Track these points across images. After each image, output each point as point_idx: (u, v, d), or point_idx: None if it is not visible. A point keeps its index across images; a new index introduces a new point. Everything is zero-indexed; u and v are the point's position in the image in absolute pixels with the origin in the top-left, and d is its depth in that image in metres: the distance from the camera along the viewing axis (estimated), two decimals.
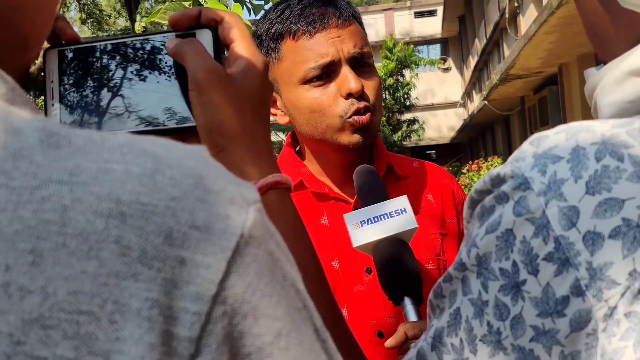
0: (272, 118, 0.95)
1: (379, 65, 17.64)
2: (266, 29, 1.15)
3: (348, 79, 1.08)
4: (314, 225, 1.13)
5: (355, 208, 1.11)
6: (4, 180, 0.30)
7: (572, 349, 0.43)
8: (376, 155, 1.21)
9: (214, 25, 0.58)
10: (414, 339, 0.87)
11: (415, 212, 0.92)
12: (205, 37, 0.57)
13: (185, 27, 0.58)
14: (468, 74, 21.84)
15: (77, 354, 0.29)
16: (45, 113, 0.58)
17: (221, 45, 0.58)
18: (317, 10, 1.11)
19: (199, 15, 0.58)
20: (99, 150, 0.32)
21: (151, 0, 20.20)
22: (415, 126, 19.50)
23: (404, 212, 0.91)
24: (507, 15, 12.94)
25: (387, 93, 18.41)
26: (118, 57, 0.59)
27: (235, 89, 0.55)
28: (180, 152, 0.34)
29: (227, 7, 2.20)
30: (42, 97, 0.60)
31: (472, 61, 20.56)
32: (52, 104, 0.58)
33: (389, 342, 0.90)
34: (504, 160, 12.70)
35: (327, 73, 1.10)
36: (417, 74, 18.88)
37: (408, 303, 0.87)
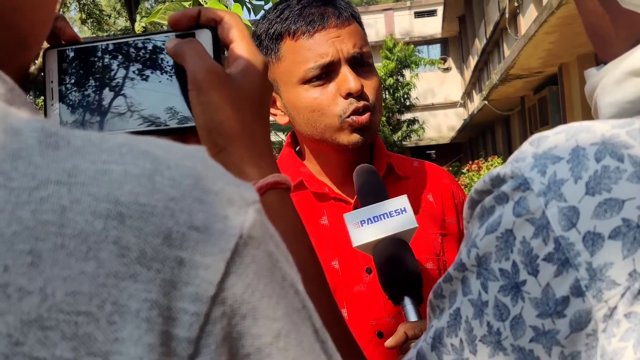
0: (271, 118, 0.95)
1: (379, 65, 17.64)
2: (266, 29, 1.15)
3: (347, 78, 1.08)
4: (314, 225, 1.13)
5: (355, 208, 1.11)
6: (2, 181, 0.30)
7: (572, 350, 0.43)
8: (376, 155, 1.21)
9: (214, 25, 0.58)
10: (414, 338, 0.87)
11: (415, 212, 0.92)
12: (204, 37, 0.57)
13: (185, 27, 0.58)
14: (468, 74, 21.84)
15: (76, 355, 0.29)
16: (45, 113, 0.58)
17: (221, 45, 0.58)
18: (316, 10, 1.11)
19: (198, 15, 0.58)
20: (97, 151, 0.32)
21: (151, 0, 20.20)
22: (415, 126, 19.50)
23: (404, 212, 0.91)
24: (507, 15, 12.94)
25: (387, 93, 18.41)
26: (118, 57, 0.59)
27: (234, 89, 0.55)
28: (179, 152, 0.34)
29: (226, 7, 2.20)
30: (42, 97, 0.60)
31: (472, 61, 20.56)
32: (52, 104, 0.58)
33: (389, 342, 0.90)
34: (504, 160, 12.70)
35: (326, 73, 1.10)
36: (417, 74, 18.88)
37: (408, 303, 0.87)
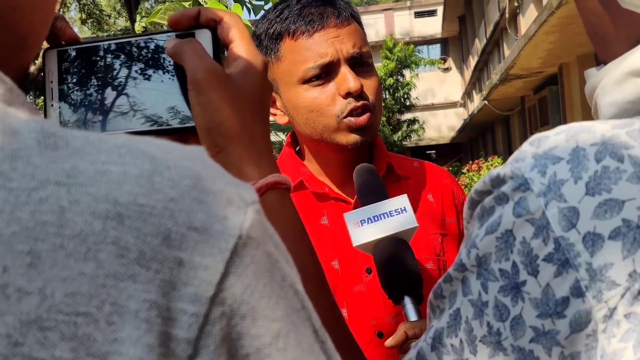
0: (271, 118, 0.95)
1: (379, 65, 17.64)
2: (265, 29, 1.15)
3: (347, 78, 1.08)
4: (314, 225, 1.13)
5: (355, 208, 1.11)
6: (1, 182, 0.30)
7: (572, 350, 0.43)
8: (376, 155, 1.21)
9: (213, 25, 0.58)
10: (414, 338, 0.87)
11: (415, 212, 0.92)
12: (204, 37, 0.57)
13: (185, 27, 0.58)
14: (468, 74, 21.85)
15: (75, 356, 0.29)
16: (45, 113, 0.58)
17: (220, 45, 0.58)
18: (315, 10, 1.11)
19: (198, 15, 0.58)
20: (96, 152, 0.32)
21: (151, 0, 20.21)
22: (416, 126, 19.50)
23: (404, 211, 0.91)
24: (507, 15, 12.94)
25: (387, 93, 18.42)
26: (118, 57, 0.59)
27: (234, 89, 0.55)
28: (178, 153, 0.34)
29: (226, 7, 2.20)
30: (42, 97, 0.60)
31: (472, 61, 20.56)
32: (52, 104, 0.58)
33: (389, 342, 0.90)
34: (504, 160, 12.70)
35: (326, 73, 1.10)
36: (417, 74, 18.88)
37: (408, 302, 0.87)
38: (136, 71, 0.58)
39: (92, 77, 0.58)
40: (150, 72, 0.58)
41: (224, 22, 0.58)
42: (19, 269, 0.29)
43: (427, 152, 24.52)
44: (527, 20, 11.13)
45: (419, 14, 25.09)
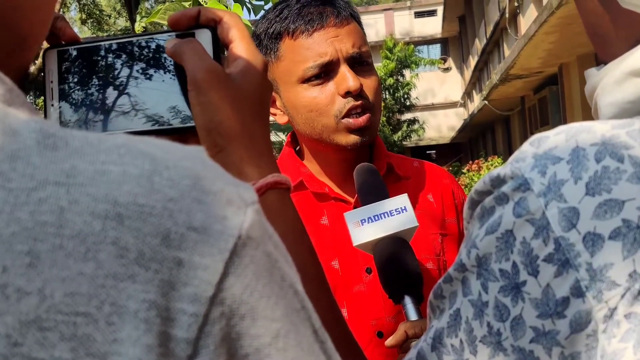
0: (271, 118, 0.95)
1: (379, 65, 17.65)
2: (265, 28, 1.15)
3: (346, 77, 1.08)
4: (314, 225, 1.13)
5: (355, 208, 1.11)
6: (1, 182, 0.30)
7: (572, 350, 0.43)
8: (376, 155, 1.21)
9: (213, 25, 0.58)
10: (414, 337, 0.87)
11: (415, 212, 0.92)
12: (204, 37, 0.57)
13: (185, 27, 0.58)
14: (468, 74, 21.85)
15: (75, 356, 0.29)
16: (45, 113, 0.58)
17: (220, 45, 0.58)
18: (315, 9, 1.11)
19: (198, 15, 0.58)
20: (95, 152, 0.32)
21: (151, 0, 20.21)
22: (416, 126, 19.50)
23: (404, 211, 0.91)
24: (507, 15, 12.94)
25: (387, 93, 18.42)
26: (118, 57, 0.59)
27: (234, 89, 0.55)
28: (177, 153, 0.34)
29: (226, 7, 2.20)
30: (42, 97, 0.60)
31: (472, 61, 20.56)
32: (52, 104, 0.58)
33: (389, 341, 0.89)
34: (504, 160, 12.70)
35: (325, 72, 1.10)
36: (417, 74, 18.88)
37: (408, 302, 0.87)
38: (136, 71, 0.58)
39: (92, 77, 0.58)
40: (150, 72, 0.58)
41: (224, 22, 0.58)
42: (19, 269, 0.29)
43: (427, 152, 24.51)
44: (527, 20, 11.13)
45: (419, 14, 25.09)
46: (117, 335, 0.29)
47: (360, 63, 1.12)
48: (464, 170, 14.80)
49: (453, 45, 24.98)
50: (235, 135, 0.55)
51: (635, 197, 0.42)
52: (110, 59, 0.58)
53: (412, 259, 0.89)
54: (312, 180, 1.18)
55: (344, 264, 1.12)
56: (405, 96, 18.89)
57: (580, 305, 0.43)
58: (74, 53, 0.59)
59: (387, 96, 18.46)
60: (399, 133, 19.01)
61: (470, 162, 15.45)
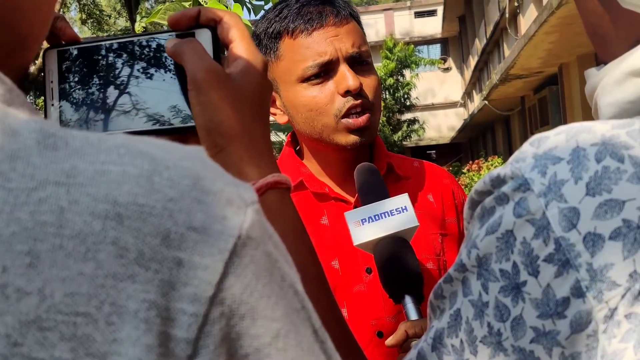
0: (271, 118, 0.95)
1: (379, 65, 17.65)
2: (265, 28, 1.15)
3: (346, 76, 1.08)
4: (314, 225, 1.13)
5: (355, 208, 1.11)
6: (0, 182, 0.30)
7: (573, 351, 0.43)
8: (376, 155, 1.21)
9: (213, 25, 0.58)
10: (414, 337, 0.87)
11: (416, 212, 0.92)
12: (204, 37, 0.57)
13: (185, 27, 0.58)
14: (468, 74, 21.85)
15: (75, 356, 0.29)
16: (45, 113, 0.58)
17: (220, 45, 0.58)
18: (314, 8, 1.11)
19: (198, 15, 0.58)
20: (95, 152, 0.32)
21: (151, 0, 20.21)
22: (416, 126, 19.51)
23: (404, 210, 0.91)
24: (507, 15, 12.94)
25: (387, 93, 18.42)
26: (118, 57, 0.59)
27: (234, 89, 0.55)
28: (177, 153, 0.34)
29: (227, 7, 2.20)
30: (42, 97, 0.60)
31: (472, 61, 20.56)
32: (52, 104, 0.58)
33: (390, 341, 0.89)
34: (505, 160, 12.70)
35: (325, 71, 1.10)
36: (417, 74, 18.89)
37: (409, 301, 0.87)
38: (137, 70, 0.58)
39: (93, 76, 0.58)
40: (150, 71, 0.58)
41: (224, 22, 0.58)
42: (19, 269, 0.29)
43: (427, 152, 24.51)
44: (527, 20, 11.13)
45: (419, 14, 25.09)
46: (117, 335, 0.29)
47: (359, 62, 1.12)
48: (464, 170, 14.80)
49: (453, 45, 24.98)
50: (235, 135, 0.55)
51: (636, 197, 0.42)
52: (110, 59, 0.59)
53: (413, 259, 0.89)
54: (312, 180, 1.18)
55: (344, 264, 1.12)
56: (405, 96, 18.89)
57: (580, 306, 0.43)
58: (74, 53, 0.59)
59: (387, 96, 18.46)
60: (399, 133, 19.01)
61: (470, 162, 15.45)
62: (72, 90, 0.58)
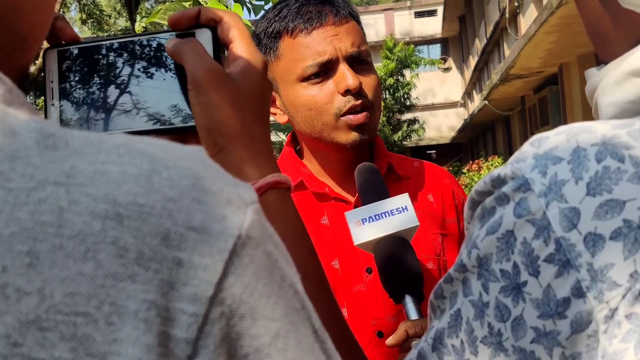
0: (271, 118, 0.95)
1: (379, 65, 17.65)
2: (264, 27, 1.15)
3: (345, 76, 1.08)
4: (314, 225, 1.13)
5: (355, 208, 1.11)
6: (0, 182, 0.30)
7: (573, 351, 0.43)
8: (376, 155, 1.21)
9: (214, 25, 0.58)
10: (414, 337, 0.87)
11: (416, 212, 0.92)
12: (204, 37, 0.57)
13: (185, 27, 0.58)
14: (468, 73, 21.85)
15: (75, 356, 0.29)
16: (45, 113, 0.58)
17: (220, 45, 0.58)
18: (314, 8, 1.11)
19: (198, 15, 0.58)
20: (95, 152, 0.32)
21: (151, 0, 20.21)
22: (416, 126, 19.51)
23: (405, 210, 0.91)
24: (507, 15, 12.94)
25: (387, 93, 18.42)
26: (118, 56, 0.59)
27: (234, 89, 0.55)
28: (177, 153, 0.34)
29: (227, 7, 2.20)
30: (43, 98, 0.60)
31: (473, 61, 20.56)
32: (52, 104, 0.58)
33: (390, 340, 0.89)
34: (505, 160, 12.70)
35: (324, 71, 1.10)
36: (417, 74, 18.88)
37: (409, 301, 0.87)
38: (137, 70, 0.58)
39: (92, 76, 0.58)
40: (151, 70, 0.58)
41: (224, 21, 0.58)
42: (18, 269, 0.29)
43: (428, 152, 24.50)
44: (527, 20, 11.13)
45: (419, 14, 25.09)
46: (117, 335, 0.29)
47: (359, 62, 1.12)
48: (464, 170, 14.80)
49: (453, 45, 24.97)
50: (235, 135, 0.55)
51: (636, 198, 0.42)
52: (110, 58, 0.59)
53: (413, 258, 0.89)
54: (313, 180, 1.18)
55: (344, 264, 1.12)
56: (406, 96, 18.89)
57: (581, 306, 0.43)
58: (74, 53, 0.59)
59: (387, 96, 18.46)
60: (399, 133, 19.01)
61: (471, 162, 15.45)
62: (72, 90, 0.58)
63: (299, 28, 1.10)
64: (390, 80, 18.27)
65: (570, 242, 0.43)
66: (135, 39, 0.59)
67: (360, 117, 1.09)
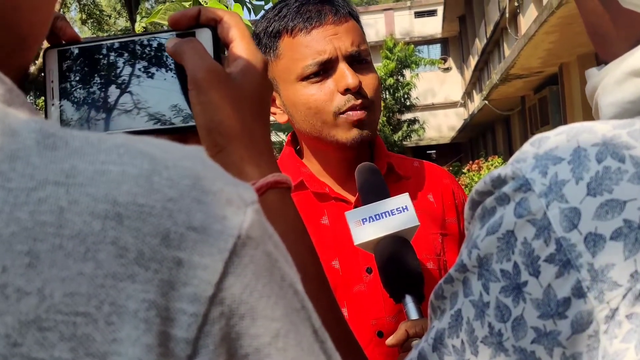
0: (272, 118, 0.95)
1: (379, 65, 17.65)
2: (264, 27, 1.15)
3: (345, 74, 1.08)
4: (314, 225, 1.13)
5: (356, 208, 1.11)
6: (0, 182, 0.30)
7: (574, 351, 0.43)
8: (377, 155, 1.21)
9: (214, 24, 0.58)
10: (415, 337, 0.87)
11: (416, 212, 0.92)
12: (204, 37, 0.57)
13: (185, 27, 0.58)
14: (468, 73, 21.85)
15: (74, 356, 0.29)
16: (45, 113, 0.58)
17: (221, 44, 0.58)
18: (313, 7, 1.11)
19: (198, 15, 0.58)
20: (95, 152, 0.32)
21: (151, 0, 20.21)
22: (416, 126, 19.50)
23: (405, 210, 0.91)
24: (507, 15, 12.94)
25: (387, 93, 18.42)
26: (118, 56, 0.59)
27: (234, 89, 0.55)
28: (177, 152, 0.34)
29: (227, 7, 2.20)
30: (43, 98, 0.60)
31: (473, 61, 20.56)
32: (52, 104, 0.58)
33: (390, 340, 0.89)
34: (505, 160, 12.71)
35: (324, 70, 1.10)
36: (417, 74, 18.88)
37: (409, 301, 0.87)
38: (137, 70, 0.58)
39: (93, 76, 0.58)
40: (151, 71, 0.58)
41: (224, 21, 0.58)
42: (18, 269, 0.29)
43: (428, 152, 24.51)
44: (527, 20, 11.13)
45: (419, 14, 25.09)
46: (117, 335, 0.29)
47: (359, 61, 1.12)
48: (464, 170, 14.80)
49: (453, 45, 24.97)
50: (236, 134, 0.55)
51: (637, 198, 0.42)
52: (110, 58, 0.59)
53: (413, 258, 0.89)
54: (313, 180, 1.18)
55: (345, 263, 1.12)
56: (406, 96, 18.89)
57: (581, 306, 0.43)
58: (75, 52, 0.59)
59: (387, 96, 18.46)
60: (399, 133, 19.01)
61: (471, 162, 15.45)
62: (72, 89, 0.58)
63: (298, 27, 1.10)
64: (390, 80, 18.27)
65: (571, 242, 0.43)
66: (136, 38, 0.59)
67: (360, 113, 1.09)
